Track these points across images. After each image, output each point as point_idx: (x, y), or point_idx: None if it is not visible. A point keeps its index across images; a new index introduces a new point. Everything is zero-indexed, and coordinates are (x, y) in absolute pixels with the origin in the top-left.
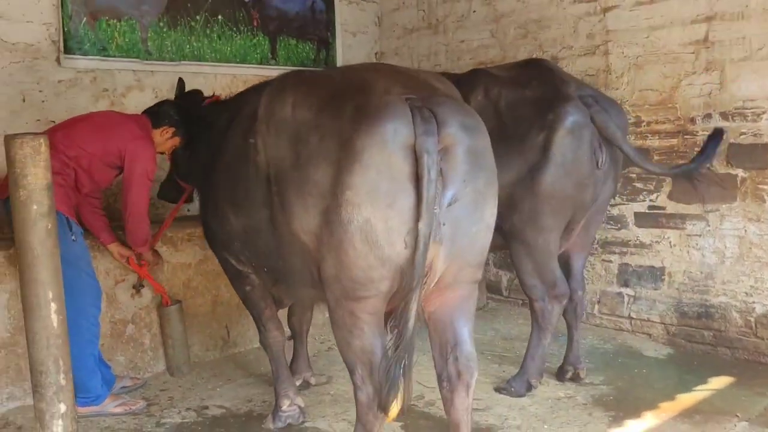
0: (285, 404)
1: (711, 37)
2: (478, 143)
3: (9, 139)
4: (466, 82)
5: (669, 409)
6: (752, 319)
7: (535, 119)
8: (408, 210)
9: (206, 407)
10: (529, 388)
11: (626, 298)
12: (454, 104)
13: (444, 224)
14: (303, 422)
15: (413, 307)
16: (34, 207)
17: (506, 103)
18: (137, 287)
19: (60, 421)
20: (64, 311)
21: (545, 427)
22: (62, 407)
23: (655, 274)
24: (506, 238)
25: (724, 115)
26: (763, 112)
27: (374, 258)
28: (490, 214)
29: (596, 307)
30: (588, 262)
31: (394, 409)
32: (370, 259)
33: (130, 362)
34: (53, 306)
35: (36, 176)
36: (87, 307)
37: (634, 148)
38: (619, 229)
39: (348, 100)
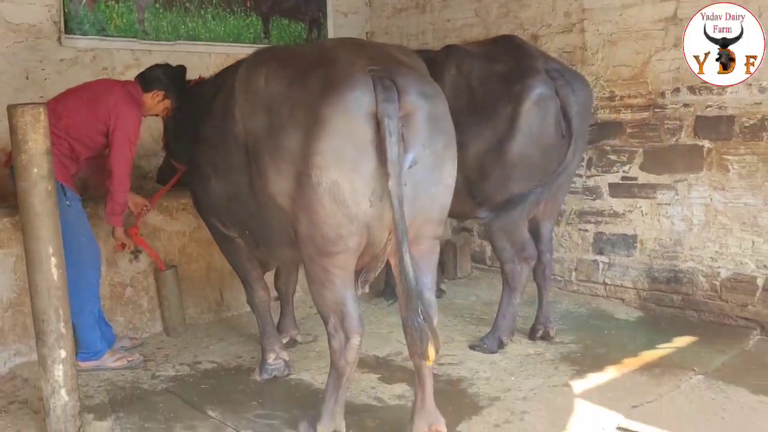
0: (271, 358)
1: (679, 14)
2: (436, 110)
3: (11, 108)
4: (441, 58)
5: (631, 364)
6: (717, 283)
7: (503, 92)
8: (371, 172)
9: (199, 362)
10: (501, 345)
11: (601, 265)
12: (415, 74)
13: (405, 184)
14: (288, 375)
15: (407, 259)
16: (35, 170)
17: (478, 77)
18: (134, 253)
19: (60, 366)
20: (64, 266)
21: (512, 378)
22: (62, 353)
23: (628, 242)
24: (479, 204)
25: (692, 89)
26: (728, 86)
27: (342, 216)
28: (448, 175)
29: (573, 274)
30: (565, 231)
31: (431, 352)
32: (339, 217)
33: (129, 323)
34: (53, 260)
35: (36, 142)
36: (85, 268)
37: (581, 126)
38: (594, 199)
39: (315, 73)
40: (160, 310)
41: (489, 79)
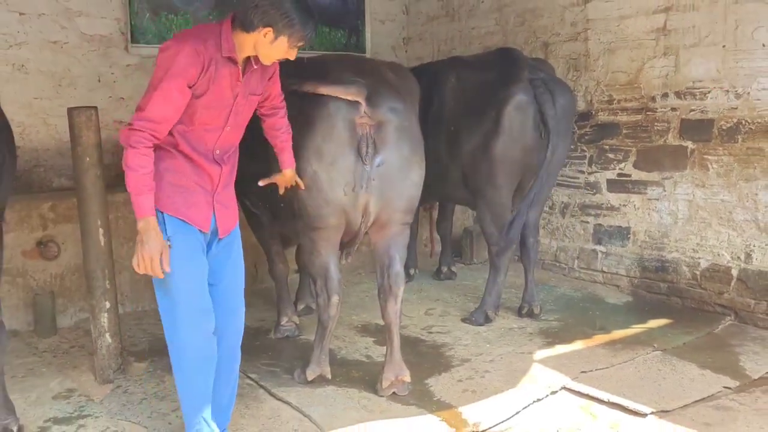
0: (284, 320)
1: (668, 25)
2: (402, 121)
3: (70, 110)
4: (445, 68)
5: (599, 339)
6: (698, 273)
7: (491, 98)
8: (346, 167)
9: None
10: (487, 319)
11: (599, 255)
12: (390, 91)
13: (374, 179)
14: (298, 335)
15: None
16: (87, 159)
17: (472, 85)
18: None
19: (105, 314)
20: (110, 234)
21: (487, 346)
22: (107, 304)
23: (623, 234)
24: (472, 195)
25: (678, 94)
26: (709, 92)
27: (321, 200)
28: (415, 174)
29: (576, 262)
30: (569, 222)
31: None
32: (319, 201)
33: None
34: (101, 231)
35: (88, 137)
36: None
37: (561, 128)
38: (594, 194)
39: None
40: None
41: (481, 87)
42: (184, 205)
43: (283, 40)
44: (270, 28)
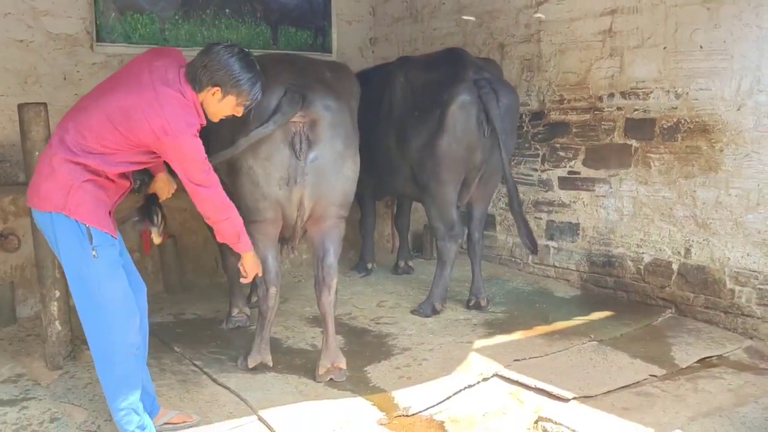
0: (235, 312)
1: (614, 27)
2: (335, 118)
3: (20, 106)
4: (395, 68)
5: (539, 330)
6: (642, 267)
7: (435, 97)
8: (280, 162)
9: (183, 314)
10: (434, 310)
11: (552, 250)
12: (324, 90)
13: (308, 174)
14: (249, 326)
15: None
16: (36, 153)
17: (419, 84)
18: None
19: (55, 303)
20: None
21: (430, 336)
22: (57, 293)
23: (573, 230)
24: (420, 190)
25: (623, 94)
26: (651, 92)
27: (258, 194)
28: (348, 169)
29: (530, 257)
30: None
31: None
32: (255, 195)
33: None
34: None
35: (37, 132)
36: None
37: (504, 126)
38: (546, 191)
39: None
40: (162, 273)
41: (427, 86)
42: (104, 217)
43: (230, 99)
44: (218, 88)
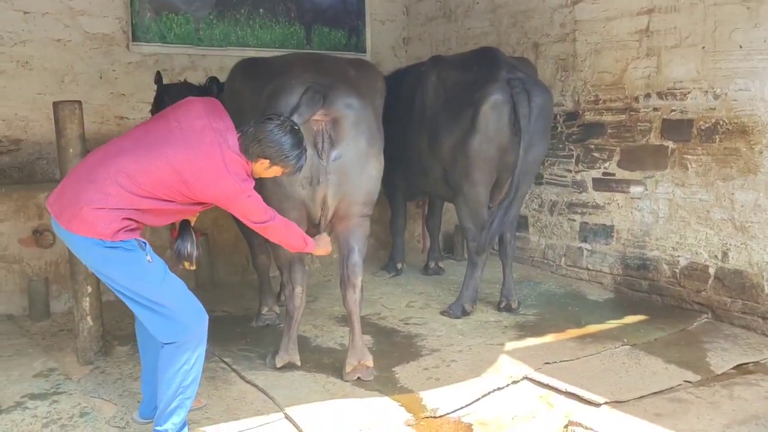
0: (264, 310)
1: (651, 27)
2: (358, 117)
3: (55, 104)
4: (427, 68)
5: (571, 333)
6: (677, 271)
7: (468, 97)
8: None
9: (214, 311)
10: (464, 312)
11: (585, 252)
12: (345, 88)
13: (330, 173)
14: (279, 324)
15: None
16: (71, 150)
17: (452, 84)
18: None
19: (87, 298)
20: None
21: (460, 337)
22: (89, 288)
23: (607, 232)
24: (452, 190)
25: (660, 95)
26: (689, 92)
27: (281, 194)
28: (372, 167)
29: (563, 259)
30: (557, 220)
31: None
32: (279, 195)
33: None
34: None
35: (72, 129)
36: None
37: (536, 127)
38: (581, 192)
39: (269, 82)
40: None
41: (460, 86)
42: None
43: (276, 169)
44: (267, 160)
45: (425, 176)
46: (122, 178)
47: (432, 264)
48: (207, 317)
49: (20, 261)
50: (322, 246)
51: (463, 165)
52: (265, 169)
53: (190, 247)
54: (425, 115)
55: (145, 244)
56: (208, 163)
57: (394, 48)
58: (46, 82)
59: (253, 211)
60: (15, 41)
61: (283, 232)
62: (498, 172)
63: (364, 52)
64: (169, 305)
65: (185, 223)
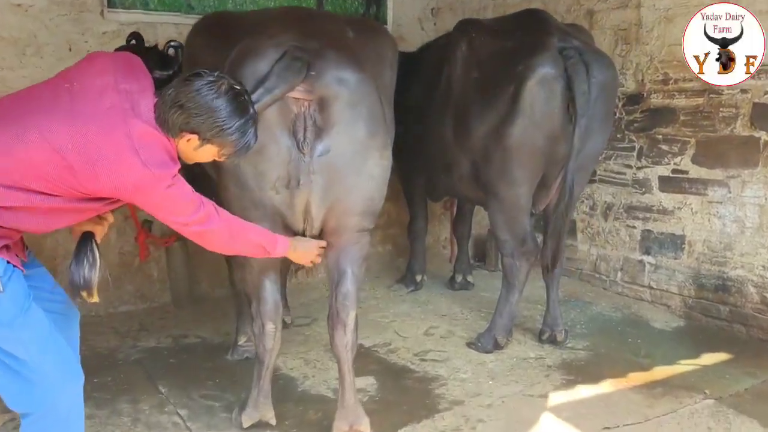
0: (242, 340)
1: None
2: (355, 96)
3: None
4: (455, 34)
5: (635, 379)
6: (767, 295)
7: (508, 70)
8: (277, 156)
9: (186, 336)
10: (497, 345)
11: (647, 267)
12: (338, 56)
13: (315, 173)
14: None
15: None
16: None
17: (487, 54)
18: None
19: None
20: None
21: (490, 382)
22: None
23: (676, 243)
24: (484, 192)
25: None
26: (727, 86)
27: (247, 200)
28: (374, 165)
29: (618, 274)
30: (613, 226)
31: None
32: (244, 202)
33: (137, 291)
34: None
35: None
36: None
37: (598, 111)
38: (643, 193)
39: (236, 42)
40: (168, 282)
41: (497, 56)
42: None
43: (210, 148)
44: (195, 135)
45: (449, 174)
46: None
47: (459, 278)
48: (82, 379)
49: None
50: (302, 250)
51: (500, 159)
52: (194, 149)
53: (87, 271)
54: (451, 96)
55: (5, 263)
56: (103, 138)
57: (420, 19)
58: (4, 55)
59: (180, 210)
60: None
61: (226, 237)
62: (545, 169)
63: (385, 23)
64: (23, 357)
65: (85, 237)
